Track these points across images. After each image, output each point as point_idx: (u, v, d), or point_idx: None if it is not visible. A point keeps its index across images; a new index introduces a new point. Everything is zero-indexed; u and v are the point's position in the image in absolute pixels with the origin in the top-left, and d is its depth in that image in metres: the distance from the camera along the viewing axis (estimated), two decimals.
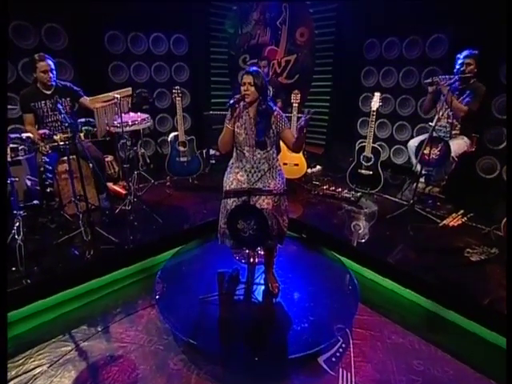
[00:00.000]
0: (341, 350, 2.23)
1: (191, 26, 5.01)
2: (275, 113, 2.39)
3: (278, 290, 2.53)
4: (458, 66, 3.21)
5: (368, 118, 4.56)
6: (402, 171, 4.58)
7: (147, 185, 3.91)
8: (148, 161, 4.42)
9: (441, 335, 2.35)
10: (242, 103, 2.40)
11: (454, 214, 3.34)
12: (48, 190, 2.79)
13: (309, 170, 4.54)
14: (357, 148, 3.89)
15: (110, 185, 3.63)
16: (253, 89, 2.32)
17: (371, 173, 3.82)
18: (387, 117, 4.83)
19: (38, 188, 3.16)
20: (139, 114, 3.50)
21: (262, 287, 2.58)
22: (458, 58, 3.21)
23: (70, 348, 2.19)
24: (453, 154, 3.15)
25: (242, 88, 2.34)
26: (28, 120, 3.02)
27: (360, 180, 3.88)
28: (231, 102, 2.30)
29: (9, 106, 3.30)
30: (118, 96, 2.80)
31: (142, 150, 4.36)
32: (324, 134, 5.78)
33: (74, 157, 2.76)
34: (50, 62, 2.97)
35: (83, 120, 2.74)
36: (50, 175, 2.89)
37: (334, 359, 2.16)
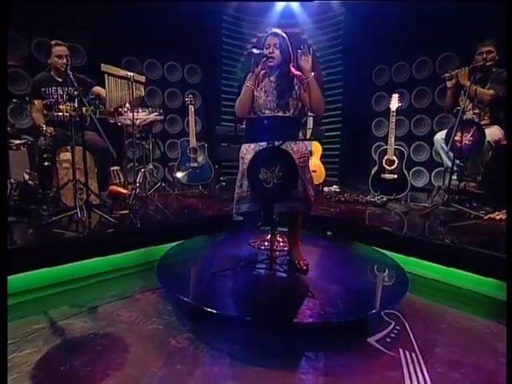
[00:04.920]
0: (395, 331, 1.70)
1: (205, 61, 5.23)
2: (298, 74, 2.24)
3: (307, 266, 2.05)
4: (477, 57, 3.11)
5: (383, 144, 4.47)
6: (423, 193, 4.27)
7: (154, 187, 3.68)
8: (155, 175, 4.20)
9: None
10: (262, 71, 2.27)
11: (497, 212, 2.96)
12: (46, 164, 2.50)
13: (325, 189, 4.26)
14: (378, 152, 3.67)
15: (112, 186, 3.33)
16: (278, 52, 2.19)
17: (396, 177, 3.53)
18: (402, 139, 4.72)
19: (36, 183, 2.90)
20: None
21: (286, 266, 2.11)
22: (477, 49, 3.12)
23: (42, 326, 1.69)
24: (489, 139, 2.87)
25: (267, 50, 2.17)
26: (36, 106, 2.88)
27: (384, 186, 3.57)
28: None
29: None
30: (132, 74, 2.70)
31: (150, 166, 4.17)
32: (336, 170, 5.63)
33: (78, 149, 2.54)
34: (66, 49, 2.94)
35: (93, 96, 2.59)
36: (50, 157, 2.64)
37: (388, 339, 1.63)
